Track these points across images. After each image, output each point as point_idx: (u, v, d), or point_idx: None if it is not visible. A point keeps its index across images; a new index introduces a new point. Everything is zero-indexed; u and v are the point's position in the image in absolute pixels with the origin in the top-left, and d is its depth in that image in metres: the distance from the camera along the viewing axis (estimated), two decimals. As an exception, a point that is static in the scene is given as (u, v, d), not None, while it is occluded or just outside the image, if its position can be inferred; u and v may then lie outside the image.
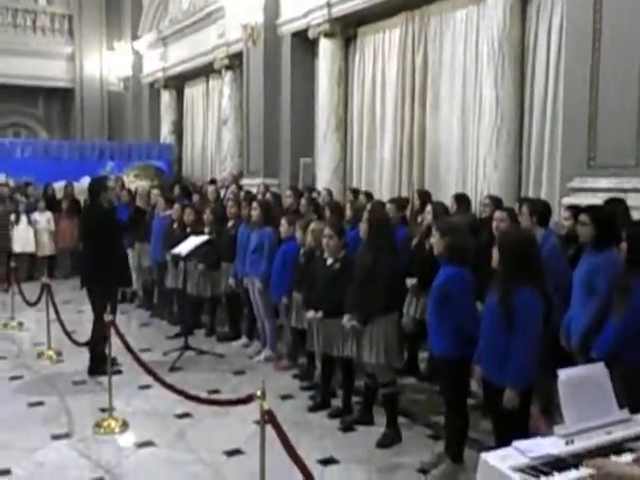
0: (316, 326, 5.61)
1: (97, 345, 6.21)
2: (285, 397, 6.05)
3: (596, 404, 2.92)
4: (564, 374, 2.93)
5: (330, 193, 9.03)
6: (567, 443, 2.75)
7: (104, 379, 5.84)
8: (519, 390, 3.70)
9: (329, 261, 5.63)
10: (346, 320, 5.18)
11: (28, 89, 17.50)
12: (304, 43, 10.71)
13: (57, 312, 6.94)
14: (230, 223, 7.83)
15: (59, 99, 18.36)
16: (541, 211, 5.17)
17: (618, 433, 2.85)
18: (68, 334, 6.67)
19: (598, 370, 3.04)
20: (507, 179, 7.46)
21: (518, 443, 2.75)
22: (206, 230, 7.85)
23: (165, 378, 6.05)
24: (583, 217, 4.42)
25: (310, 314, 5.67)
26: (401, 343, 5.35)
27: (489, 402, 4.00)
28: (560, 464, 2.61)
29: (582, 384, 2.93)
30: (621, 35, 5.92)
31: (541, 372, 3.95)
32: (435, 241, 4.50)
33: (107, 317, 5.21)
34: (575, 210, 5.33)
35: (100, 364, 6.17)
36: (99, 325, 5.81)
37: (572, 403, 2.86)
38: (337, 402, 5.75)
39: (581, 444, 2.76)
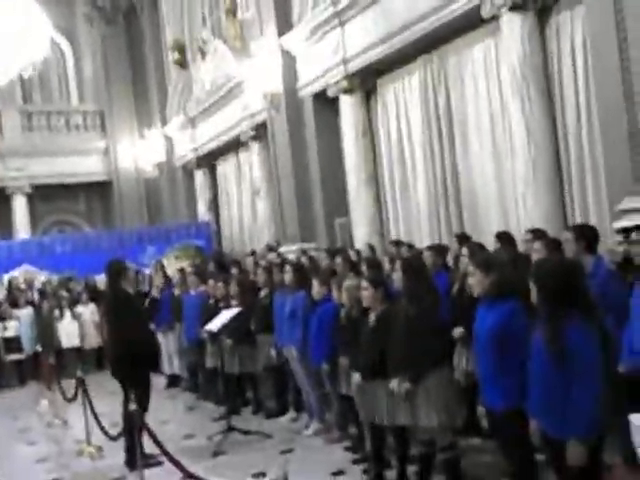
0: (356, 392, 5.14)
1: (127, 437, 5.83)
2: (337, 473, 5.53)
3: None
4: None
5: (372, 248, 8.65)
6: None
7: (146, 473, 5.47)
8: (586, 443, 3.15)
9: (371, 317, 5.22)
10: (395, 385, 4.70)
11: (68, 186, 17.88)
12: (325, 102, 10.57)
13: (91, 406, 6.64)
14: (263, 292, 7.51)
15: (98, 192, 18.69)
16: (588, 236, 4.66)
17: None
18: (103, 428, 6.33)
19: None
20: (551, 211, 7.01)
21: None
22: (233, 303, 7.52)
23: (207, 464, 5.67)
24: (636, 234, 3.94)
25: (354, 378, 5.22)
26: (460, 398, 4.84)
27: (553, 460, 3.42)
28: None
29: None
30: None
31: (613, 415, 3.41)
32: (475, 280, 4.03)
33: (131, 407, 4.86)
34: (627, 232, 4.83)
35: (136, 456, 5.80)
36: (125, 415, 5.47)
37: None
38: (392, 474, 5.21)
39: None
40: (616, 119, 5.95)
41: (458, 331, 5.59)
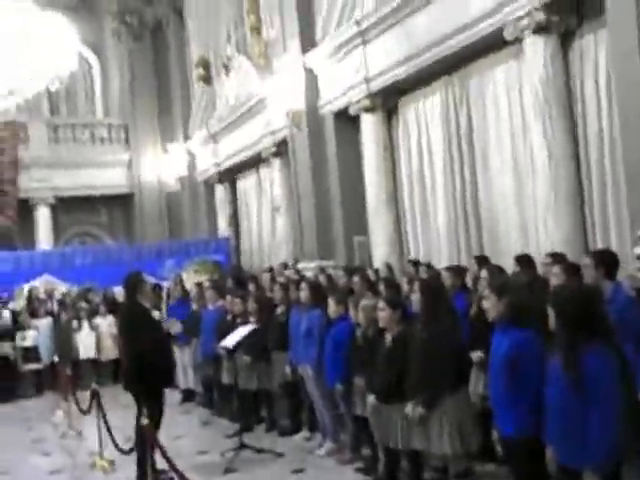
0: (371, 413, 5.10)
1: (139, 451, 5.81)
2: (348, 495, 5.50)
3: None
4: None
5: (390, 267, 8.64)
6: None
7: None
8: (603, 472, 3.08)
9: (387, 338, 5.19)
10: (410, 409, 4.65)
11: (91, 198, 18.09)
12: (346, 121, 10.58)
13: (105, 419, 6.64)
14: (279, 309, 7.49)
15: (120, 205, 18.87)
16: (608, 262, 4.61)
17: None
18: (115, 443, 6.32)
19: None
20: (572, 234, 6.93)
21: None
22: (251, 319, 7.51)
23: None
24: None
25: (369, 399, 5.19)
26: (475, 422, 4.79)
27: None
28: None
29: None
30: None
31: (632, 442, 3.34)
32: (490, 304, 4.01)
33: (143, 421, 4.85)
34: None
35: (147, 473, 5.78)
36: (137, 430, 5.46)
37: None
38: (405, 498, 5.15)
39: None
40: (639, 143, 5.89)
41: (476, 355, 5.52)
